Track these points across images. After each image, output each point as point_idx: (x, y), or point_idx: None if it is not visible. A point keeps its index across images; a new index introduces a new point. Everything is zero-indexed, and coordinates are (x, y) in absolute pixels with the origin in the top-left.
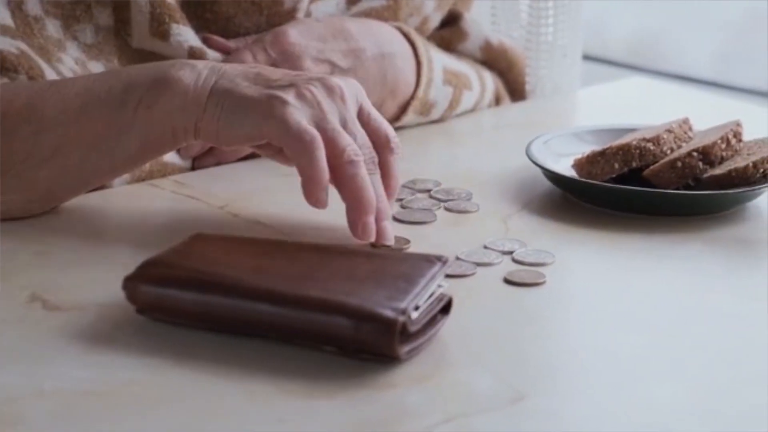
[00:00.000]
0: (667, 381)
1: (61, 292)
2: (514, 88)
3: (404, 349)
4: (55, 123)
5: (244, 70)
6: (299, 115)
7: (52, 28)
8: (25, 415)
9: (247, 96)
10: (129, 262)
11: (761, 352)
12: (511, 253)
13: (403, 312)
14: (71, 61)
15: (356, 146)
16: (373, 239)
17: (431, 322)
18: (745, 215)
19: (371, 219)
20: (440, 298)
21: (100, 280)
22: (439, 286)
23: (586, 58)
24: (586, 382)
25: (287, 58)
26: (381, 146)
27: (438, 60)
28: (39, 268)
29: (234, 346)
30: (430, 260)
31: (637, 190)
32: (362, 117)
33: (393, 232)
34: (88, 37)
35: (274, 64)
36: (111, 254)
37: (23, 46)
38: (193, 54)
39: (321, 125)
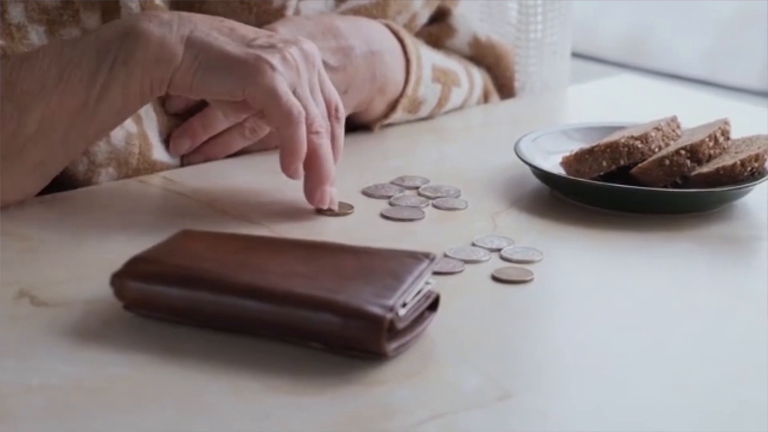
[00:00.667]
0: (654, 379)
1: (49, 288)
2: (502, 83)
3: (391, 346)
4: (36, 96)
5: (215, 24)
6: (285, 84)
7: (35, 35)
8: (13, 411)
9: (230, 53)
10: (117, 258)
11: (749, 349)
12: (499, 250)
13: (391, 309)
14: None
15: (321, 119)
16: (329, 206)
17: (419, 319)
18: (732, 213)
19: (328, 187)
20: (428, 295)
21: (88, 276)
22: (427, 283)
23: (576, 55)
24: (573, 379)
25: None
26: (330, 115)
27: (427, 57)
28: (27, 264)
29: (221, 342)
30: (417, 257)
31: (625, 188)
32: (319, 82)
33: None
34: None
35: None
36: (99, 250)
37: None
38: None
39: (297, 92)
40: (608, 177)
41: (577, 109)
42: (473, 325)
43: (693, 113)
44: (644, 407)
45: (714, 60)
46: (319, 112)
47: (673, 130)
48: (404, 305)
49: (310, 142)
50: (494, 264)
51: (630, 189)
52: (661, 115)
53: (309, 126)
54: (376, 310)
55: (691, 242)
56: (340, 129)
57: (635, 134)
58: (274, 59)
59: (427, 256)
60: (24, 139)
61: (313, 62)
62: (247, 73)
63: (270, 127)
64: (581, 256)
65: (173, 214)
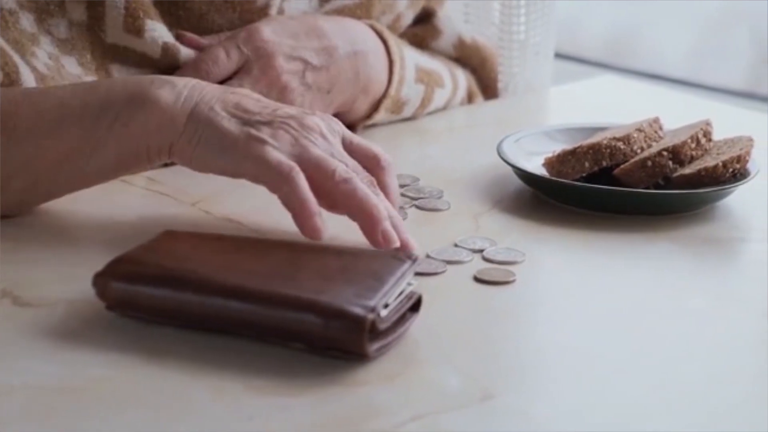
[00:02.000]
0: (635, 379)
1: (31, 288)
2: (487, 85)
3: (373, 347)
4: (28, 135)
5: (222, 97)
6: (277, 153)
7: (26, 21)
8: None
9: (226, 131)
10: (100, 258)
11: (729, 350)
12: (481, 251)
13: (373, 310)
14: (45, 56)
15: (345, 167)
16: (397, 244)
17: (401, 320)
18: (714, 214)
19: (387, 224)
20: (410, 296)
21: (71, 276)
22: (409, 284)
23: (559, 56)
24: (555, 380)
25: (260, 56)
26: (373, 166)
27: (410, 58)
28: (9, 264)
29: (203, 343)
30: (399, 258)
31: (608, 189)
32: (346, 146)
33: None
34: (61, 31)
35: (247, 61)
36: (82, 250)
37: None
38: (167, 50)
39: (303, 157)
40: (591, 178)
41: (560, 110)
42: (455, 326)
43: (675, 114)
44: (626, 407)
45: (697, 61)
46: (340, 163)
47: (656, 132)
48: (386, 306)
49: (339, 192)
50: (477, 265)
51: (612, 190)
52: (643, 115)
53: (330, 177)
54: (358, 310)
55: (673, 243)
56: (387, 176)
57: (618, 135)
58: (265, 134)
59: (409, 257)
60: (8, 173)
61: (320, 132)
62: (239, 151)
63: (279, 198)
64: (563, 257)
65: (156, 215)
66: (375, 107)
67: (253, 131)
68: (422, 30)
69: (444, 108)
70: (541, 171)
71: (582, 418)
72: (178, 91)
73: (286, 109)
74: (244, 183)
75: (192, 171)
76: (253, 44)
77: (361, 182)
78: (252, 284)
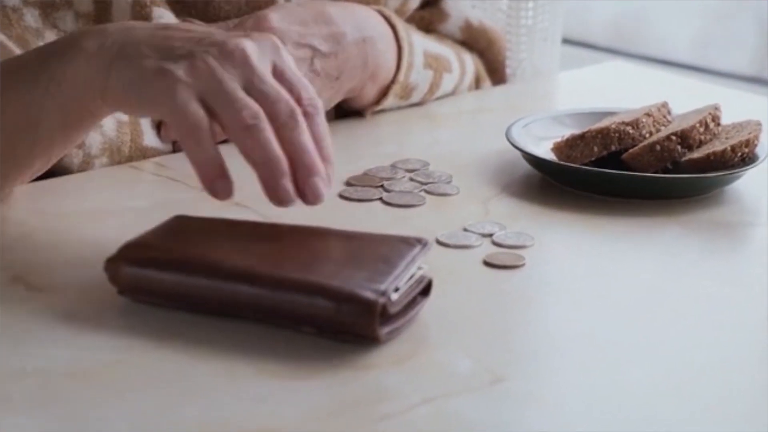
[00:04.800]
0: (644, 363)
1: (43, 274)
2: (494, 68)
3: (384, 331)
4: None
5: (152, 33)
6: (187, 93)
7: (31, 17)
8: (7, 395)
9: (142, 69)
10: (110, 243)
11: (738, 334)
12: (490, 235)
13: (383, 294)
14: None
15: (254, 108)
16: (289, 204)
17: (411, 304)
18: (722, 199)
19: (285, 181)
20: (420, 280)
21: (82, 262)
22: (419, 268)
23: (567, 41)
24: (564, 364)
25: None
26: (300, 103)
27: (419, 44)
28: (21, 250)
29: (214, 326)
30: (410, 243)
31: (616, 174)
32: (276, 75)
33: (326, 190)
34: (68, 24)
35: None
36: (92, 236)
37: (1, 37)
38: None
39: (213, 97)
40: (599, 162)
41: (568, 95)
42: (465, 309)
43: (683, 99)
44: (635, 391)
45: (704, 46)
46: (248, 104)
47: (664, 116)
48: (396, 290)
49: (241, 141)
50: (486, 249)
51: (621, 174)
52: (651, 101)
53: (233, 123)
54: (369, 294)
55: (681, 227)
56: (313, 125)
57: (626, 120)
58: (179, 69)
59: (419, 241)
60: None
61: (243, 58)
62: (152, 89)
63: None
64: (572, 242)
65: (166, 200)
66: (384, 93)
67: (166, 65)
68: (429, 13)
69: (452, 93)
70: (550, 156)
71: (591, 402)
72: (105, 36)
73: (214, 37)
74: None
75: None
76: (261, 31)
77: (267, 129)
78: (262, 269)
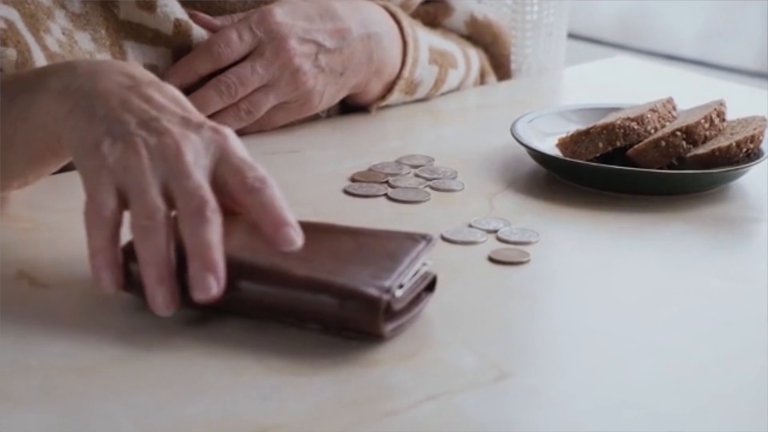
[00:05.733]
0: (649, 359)
1: (48, 270)
2: (500, 62)
3: (388, 327)
4: None
5: (114, 91)
6: (106, 180)
7: None
8: (12, 391)
9: (85, 136)
10: None
11: (742, 330)
12: (495, 231)
13: (388, 290)
14: (59, 31)
15: (152, 209)
16: (166, 312)
17: (416, 300)
18: (728, 194)
19: (162, 289)
20: (425, 276)
21: (87, 258)
22: (424, 264)
23: (572, 36)
24: (569, 360)
25: (273, 38)
26: (242, 194)
27: (424, 39)
28: (26, 246)
29: (219, 323)
30: (415, 239)
31: (621, 170)
32: (218, 169)
33: (213, 286)
34: (76, 6)
35: (260, 43)
36: None
37: (14, 16)
38: (179, 26)
39: (127, 190)
40: (604, 158)
41: (573, 91)
42: (470, 306)
43: (688, 94)
44: (640, 387)
45: (710, 40)
46: (148, 204)
47: (669, 112)
48: (401, 287)
49: (135, 238)
50: (491, 245)
51: (626, 170)
52: (656, 96)
53: (135, 218)
54: (373, 291)
55: (686, 223)
56: (265, 191)
57: (631, 116)
58: (112, 153)
59: (424, 238)
60: None
61: (176, 155)
62: (82, 165)
63: None
64: (577, 238)
65: None
66: (389, 89)
67: (103, 144)
68: (434, 8)
69: (457, 88)
70: (555, 151)
71: (596, 397)
72: (73, 76)
73: (164, 120)
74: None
75: None
76: (266, 26)
77: (159, 231)
78: (267, 265)
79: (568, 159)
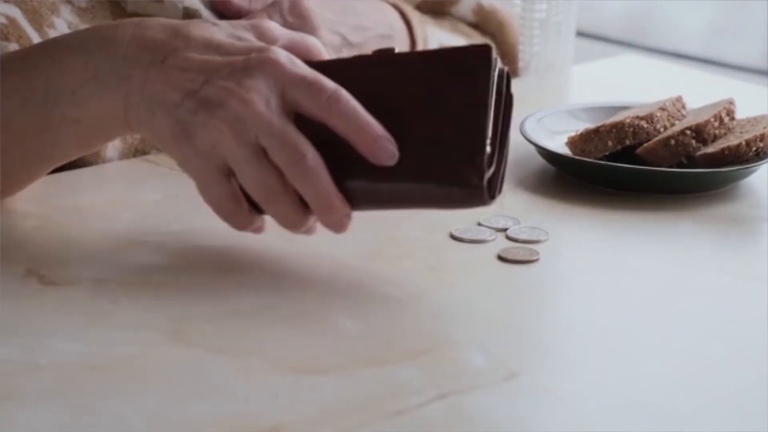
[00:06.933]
0: (659, 358)
1: (57, 267)
2: (506, 51)
3: (490, 197)
4: None
5: (154, 77)
6: (202, 167)
7: None
8: (21, 389)
9: (156, 121)
10: (124, 237)
11: (751, 329)
12: (505, 230)
13: (482, 172)
14: (64, 26)
15: (261, 176)
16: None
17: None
18: (737, 193)
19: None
20: (498, 92)
21: (97, 256)
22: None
23: (581, 34)
24: (579, 359)
25: (304, 24)
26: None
27: (433, 38)
28: (35, 243)
29: (228, 321)
30: (469, 71)
31: (631, 168)
32: (287, 100)
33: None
34: (82, 1)
35: (291, 28)
36: (107, 230)
37: (15, 13)
38: (189, 16)
39: (232, 164)
40: (614, 157)
41: (581, 89)
42: (480, 304)
43: (697, 93)
44: (649, 386)
45: (716, 38)
46: (251, 171)
47: (679, 110)
48: (491, 162)
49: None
50: (500, 244)
51: (635, 169)
52: (665, 94)
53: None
54: (475, 181)
55: (695, 222)
56: (341, 103)
57: (641, 114)
58: (195, 137)
59: (481, 53)
60: None
61: (254, 115)
62: (173, 153)
63: None
64: (587, 236)
65: (179, 194)
66: None
67: (184, 123)
68: None
69: None
70: (564, 150)
71: (606, 396)
72: (115, 43)
73: (217, 85)
74: None
75: None
76: (298, 12)
77: (282, 196)
78: (371, 168)
79: (577, 157)
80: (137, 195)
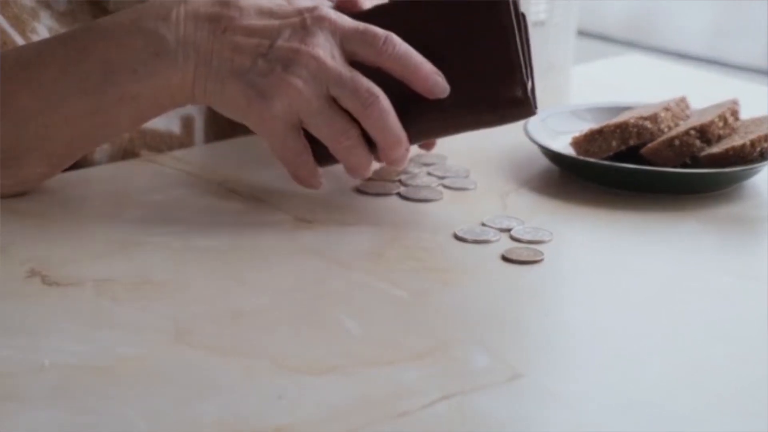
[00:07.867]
0: (662, 358)
1: (60, 268)
2: None
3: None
4: (35, 113)
5: (232, 42)
6: (280, 130)
7: None
8: (24, 390)
9: (228, 94)
10: (127, 237)
11: (755, 329)
12: (509, 230)
13: (524, 85)
14: (45, 31)
15: (340, 127)
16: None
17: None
18: (741, 194)
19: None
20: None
21: (100, 256)
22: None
23: (582, 34)
24: (583, 359)
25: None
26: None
27: None
28: (38, 244)
29: (231, 322)
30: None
31: (635, 168)
32: (346, 50)
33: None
34: (60, 4)
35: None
36: (110, 230)
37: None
38: None
39: (307, 121)
40: (618, 157)
41: (583, 89)
42: (483, 305)
43: (701, 93)
44: (653, 387)
45: (718, 38)
46: (333, 124)
47: (683, 111)
48: (529, 77)
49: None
50: (504, 244)
51: (640, 169)
52: (667, 94)
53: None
54: (518, 93)
55: (699, 222)
56: (393, 46)
57: (645, 114)
58: (271, 99)
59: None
60: (22, 152)
61: (319, 68)
62: (248, 120)
63: None
64: (591, 236)
65: (184, 194)
66: None
67: (257, 90)
68: None
69: None
70: (568, 150)
71: (609, 396)
72: (182, 54)
73: (282, 44)
74: (270, 160)
75: (219, 149)
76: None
77: (357, 141)
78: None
79: (581, 158)
80: (140, 195)
